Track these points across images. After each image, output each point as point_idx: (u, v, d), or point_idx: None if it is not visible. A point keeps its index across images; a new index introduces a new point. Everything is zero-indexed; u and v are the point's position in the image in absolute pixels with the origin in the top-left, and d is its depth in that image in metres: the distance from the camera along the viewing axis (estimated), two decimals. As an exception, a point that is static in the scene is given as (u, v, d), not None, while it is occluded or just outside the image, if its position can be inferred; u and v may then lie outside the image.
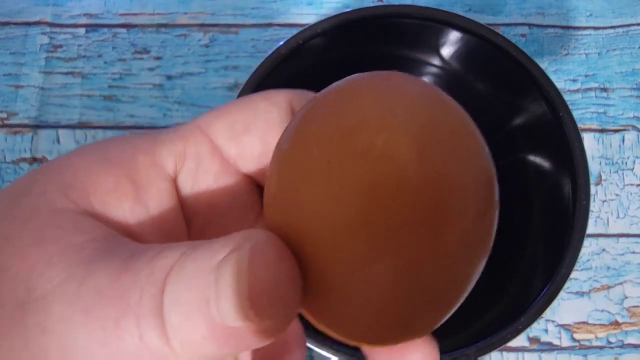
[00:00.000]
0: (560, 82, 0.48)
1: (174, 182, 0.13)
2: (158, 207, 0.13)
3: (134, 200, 0.12)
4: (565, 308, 0.44)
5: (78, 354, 0.10)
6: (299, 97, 0.14)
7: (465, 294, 0.12)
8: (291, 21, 0.49)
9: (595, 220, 0.46)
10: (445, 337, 0.37)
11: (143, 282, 0.10)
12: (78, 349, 0.10)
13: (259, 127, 0.13)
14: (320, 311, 0.11)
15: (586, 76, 0.49)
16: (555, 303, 0.32)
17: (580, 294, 0.44)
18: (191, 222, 0.14)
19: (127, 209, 0.12)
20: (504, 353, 0.43)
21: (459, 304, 0.12)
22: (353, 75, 0.11)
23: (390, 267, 0.10)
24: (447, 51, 0.39)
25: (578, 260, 0.32)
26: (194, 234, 0.14)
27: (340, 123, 0.10)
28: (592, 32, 0.50)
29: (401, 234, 0.10)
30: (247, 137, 0.14)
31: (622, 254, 0.45)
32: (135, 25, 0.49)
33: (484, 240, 0.12)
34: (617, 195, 0.46)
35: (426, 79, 0.43)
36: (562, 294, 0.32)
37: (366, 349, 0.13)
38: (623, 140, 0.47)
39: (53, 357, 0.10)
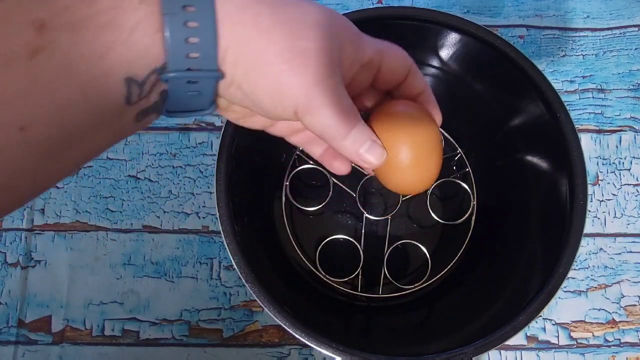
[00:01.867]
0: (557, 83, 0.49)
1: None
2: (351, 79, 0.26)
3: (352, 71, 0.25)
4: (563, 307, 0.44)
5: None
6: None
7: (434, 176, 0.28)
8: (291, 22, 0.50)
9: (593, 220, 0.46)
10: (444, 336, 0.37)
11: (351, 135, 0.24)
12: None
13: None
14: (387, 180, 0.28)
15: (583, 77, 0.49)
16: (553, 302, 0.32)
17: (578, 292, 0.45)
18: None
19: (348, 79, 0.25)
20: (502, 351, 0.43)
21: (434, 179, 0.28)
22: (391, 100, 0.28)
23: (409, 167, 0.26)
24: (445, 52, 0.39)
25: (575, 259, 0.32)
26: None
27: (390, 114, 0.27)
28: (589, 33, 0.50)
29: (414, 154, 0.26)
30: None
31: (619, 254, 0.46)
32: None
33: (440, 158, 0.28)
34: (614, 195, 0.47)
35: (426, 79, 0.43)
36: (559, 292, 0.32)
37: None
38: (620, 141, 0.48)
39: None
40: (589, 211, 0.46)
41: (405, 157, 0.26)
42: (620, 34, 0.50)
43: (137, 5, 0.19)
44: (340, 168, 0.29)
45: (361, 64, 0.25)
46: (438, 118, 0.28)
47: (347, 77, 0.24)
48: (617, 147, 0.48)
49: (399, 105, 0.27)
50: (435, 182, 0.28)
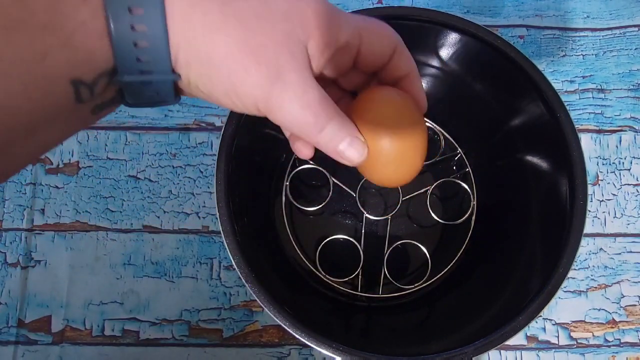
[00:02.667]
0: (557, 83, 0.49)
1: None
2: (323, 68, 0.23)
3: (325, 62, 0.23)
4: (563, 307, 0.44)
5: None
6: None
7: (419, 167, 0.26)
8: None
9: (593, 220, 0.46)
10: (444, 336, 0.37)
11: (327, 130, 0.22)
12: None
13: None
14: (368, 173, 0.27)
15: (583, 77, 0.49)
16: (553, 302, 0.32)
17: (578, 292, 0.45)
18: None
19: (320, 66, 0.22)
20: (502, 351, 0.43)
21: (418, 171, 0.26)
22: (373, 87, 0.26)
23: (393, 159, 0.25)
24: (446, 52, 0.39)
25: (575, 259, 0.32)
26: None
27: (372, 103, 0.25)
28: (589, 33, 0.50)
29: (397, 139, 0.25)
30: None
31: (619, 254, 0.46)
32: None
33: (424, 148, 0.26)
34: (614, 195, 0.47)
35: (426, 79, 0.43)
36: (559, 292, 0.32)
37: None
38: (620, 141, 0.48)
39: None
40: (589, 211, 0.46)
41: (389, 149, 0.24)
42: (620, 34, 0.50)
43: (78, 7, 0.17)
44: (303, 151, 0.26)
45: (336, 48, 0.23)
46: (423, 104, 0.27)
47: (318, 65, 0.22)
48: (617, 147, 0.48)
49: (383, 91, 0.25)
50: (419, 173, 0.27)
